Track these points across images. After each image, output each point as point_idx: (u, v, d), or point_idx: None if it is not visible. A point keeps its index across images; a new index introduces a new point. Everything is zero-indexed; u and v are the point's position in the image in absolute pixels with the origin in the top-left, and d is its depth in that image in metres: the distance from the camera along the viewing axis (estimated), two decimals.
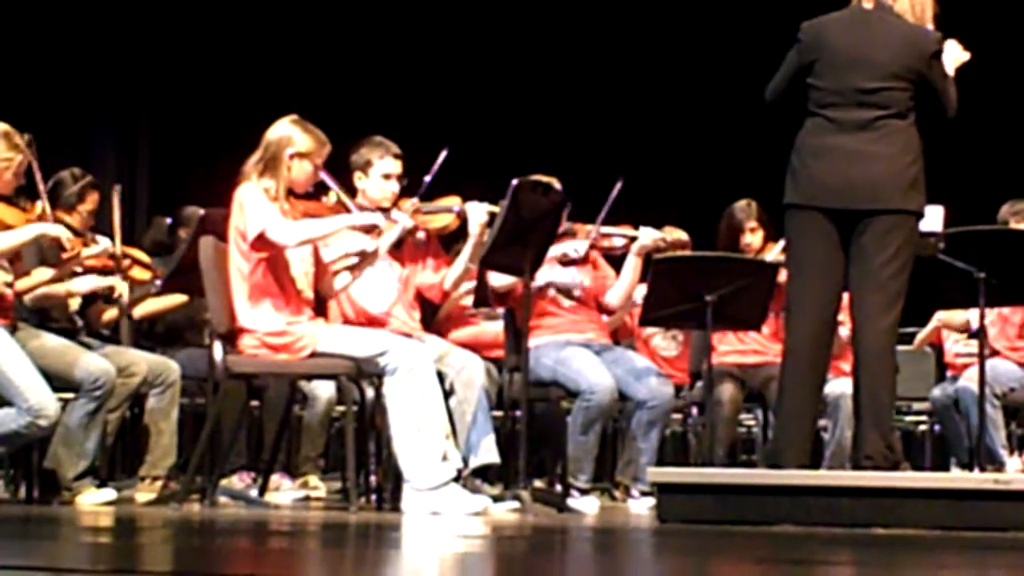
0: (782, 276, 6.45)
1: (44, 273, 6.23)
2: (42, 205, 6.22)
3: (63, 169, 6.74)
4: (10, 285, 6.08)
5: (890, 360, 5.45)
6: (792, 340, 5.49)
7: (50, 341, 6.12)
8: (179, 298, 7.04)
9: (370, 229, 5.94)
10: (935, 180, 5.55)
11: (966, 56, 5.61)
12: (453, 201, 6.44)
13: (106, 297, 6.69)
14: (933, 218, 5.97)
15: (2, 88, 9.37)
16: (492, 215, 6.22)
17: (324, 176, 6.08)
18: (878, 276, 5.39)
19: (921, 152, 5.46)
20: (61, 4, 10.39)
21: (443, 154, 6.30)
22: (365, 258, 6.07)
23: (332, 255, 6.08)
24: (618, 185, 6.65)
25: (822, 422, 7.60)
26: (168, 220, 7.81)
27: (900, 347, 8.06)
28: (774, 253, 7.08)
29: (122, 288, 6.59)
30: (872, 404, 5.37)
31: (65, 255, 6.14)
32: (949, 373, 8.13)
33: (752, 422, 8.88)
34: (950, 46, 5.60)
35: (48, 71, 10.28)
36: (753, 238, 7.30)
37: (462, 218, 6.40)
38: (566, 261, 6.71)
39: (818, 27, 5.53)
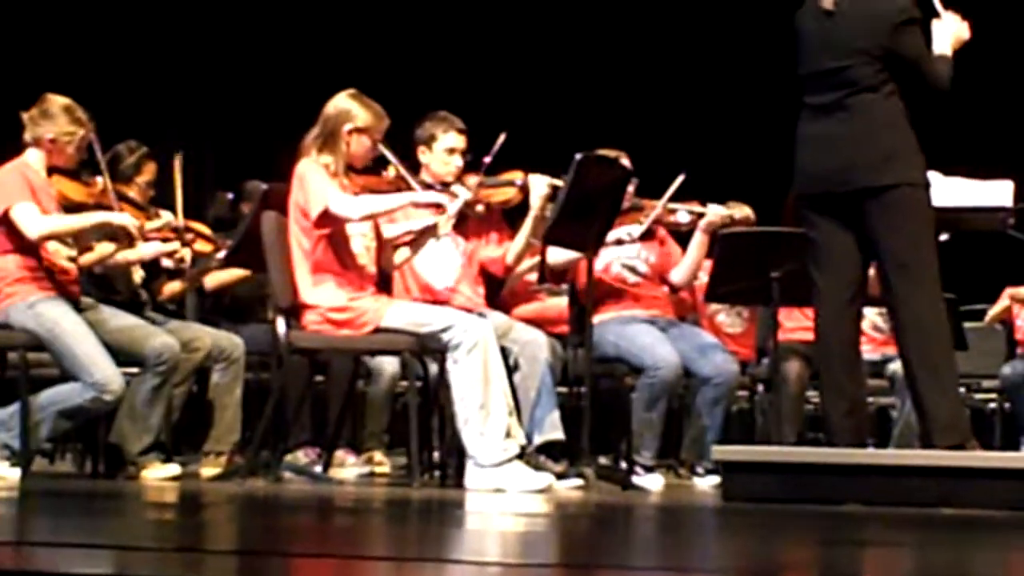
0: None
1: (107, 248, 6.25)
2: (103, 180, 6.24)
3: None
4: (74, 260, 6.11)
5: (939, 332, 5.34)
6: (821, 328, 5.46)
7: (115, 316, 6.14)
8: (244, 272, 7.05)
9: (434, 207, 5.92)
10: (1003, 155, 5.45)
11: (966, 34, 5.43)
12: (516, 175, 6.41)
13: (170, 271, 6.71)
14: (1002, 193, 5.87)
15: (66, 65, 9.42)
16: (554, 188, 6.19)
17: (384, 150, 6.06)
18: (892, 257, 5.30)
19: (902, 122, 5.32)
20: None
21: (502, 136, 6.26)
22: (425, 234, 6.05)
23: (394, 232, 6.06)
24: (680, 178, 6.59)
25: (889, 400, 7.54)
26: (230, 195, 7.82)
27: (970, 324, 8.04)
28: None
29: (185, 253, 6.58)
30: (930, 379, 5.27)
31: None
32: (1020, 350, 8.04)
33: (819, 399, 8.81)
34: (946, 20, 5.44)
35: (112, 49, 10.31)
36: None
37: (525, 192, 6.37)
38: (620, 244, 6.65)
39: (798, 15, 5.49)
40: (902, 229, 5.29)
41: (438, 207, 5.92)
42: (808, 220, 5.45)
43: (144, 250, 6.43)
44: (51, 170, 6.14)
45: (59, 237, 6.00)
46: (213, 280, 7.14)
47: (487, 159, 6.32)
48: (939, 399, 5.23)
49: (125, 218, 6.04)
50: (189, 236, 6.68)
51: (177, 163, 6.80)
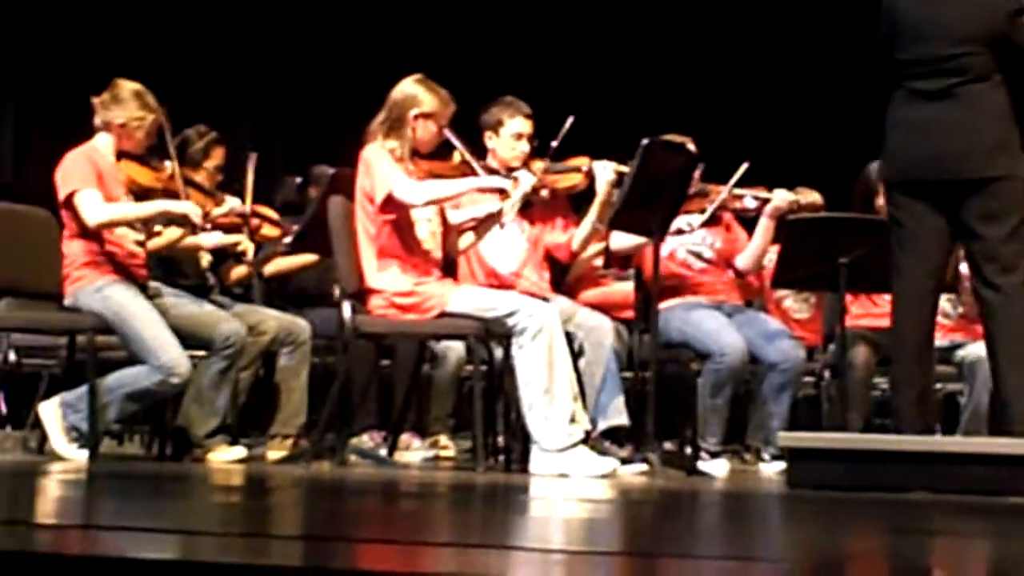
0: None
1: (174, 233, 6.28)
2: (172, 165, 6.27)
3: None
4: (142, 244, 6.14)
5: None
6: (899, 310, 5.42)
7: (182, 300, 6.18)
8: (309, 258, 7.07)
9: (498, 192, 5.92)
10: None
11: None
12: (582, 161, 6.40)
13: (236, 255, 6.74)
14: None
15: (137, 50, 9.47)
16: (620, 175, 6.17)
17: (449, 135, 6.06)
18: (987, 248, 5.27)
19: (1009, 113, 5.29)
20: None
21: (569, 121, 6.25)
22: (490, 219, 6.05)
23: (460, 217, 6.07)
24: (743, 167, 6.56)
25: (957, 386, 7.48)
26: (298, 179, 7.84)
27: None
28: None
29: (248, 246, 6.62)
30: (1013, 366, 5.24)
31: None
32: None
33: (886, 385, 8.75)
34: None
35: (183, 34, 10.37)
36: None
37: (591, 177, 6.36)
38: (681, 233, 6.62)
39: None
40: (1001, 220, 5.26)
41: (502, 192, 5.92)
42: (899, 204, 5.41)
43: (206, 240, 6.46)
44: (120, 155, 6.18)
45: (119, 225, 6.03)
46: (273, 267, 7.16)
47: (554, 143, 6.31)
48: (1020, 386, 5.20)
49: (187, 206, 6.06)
50: (255, 222, 6.70)
51: (251, 163, 6.81)
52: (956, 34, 5.29)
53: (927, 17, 5.34)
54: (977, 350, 6.87)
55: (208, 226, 6.32)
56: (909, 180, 5.36)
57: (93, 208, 5.95)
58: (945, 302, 7.26)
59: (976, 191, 5.27)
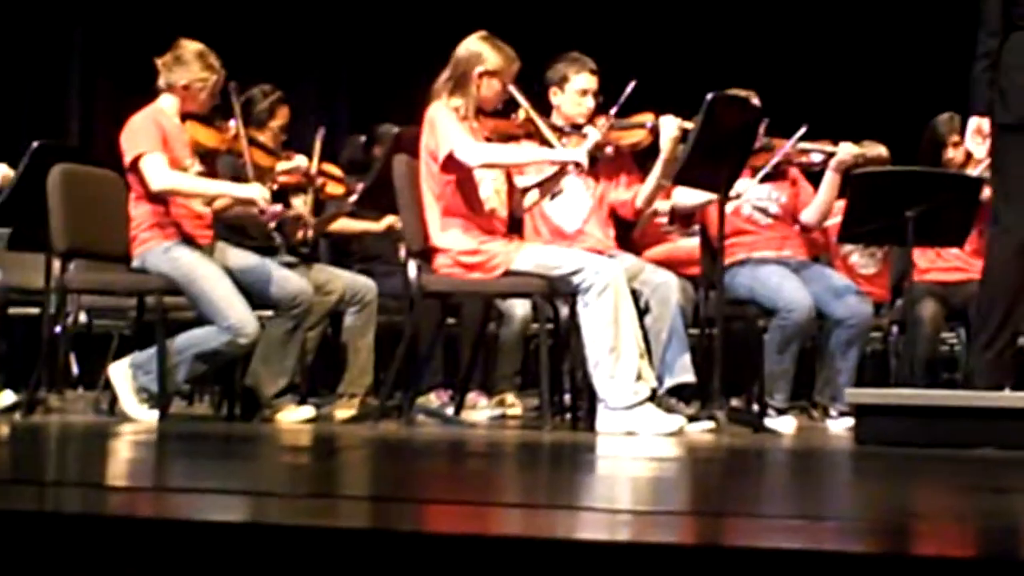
0: (986, 192, 6.28)
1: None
2: (236, 125, 6.29)
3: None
4: (208, 204, 6.17)
5: None
6: (993, 262, 5.28)
7: (249, 260, 6.20)
8: (374, 225, 7.10)
9: (562, 167, 5.90)
10: None
11: None
12: (647, 117, 6.37)
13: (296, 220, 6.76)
14: None
15: (200, 9, 9.50)
16: (685, 131, 6.14)
17: (515, 92, 6.04)
18: None
19: None
20: None
21: (631, 85, 6.23)
22: (555, 178, 6.04)
23: (525, 183, 6.07)
24: (802, 129, 6.50)
25: None
26: (363, 138, 7.86)
27: None
28: (979, 169, 6.89)
29: (309, 219, 6.64)
30: None
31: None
32: None
33: (955, 340, 8.71)
34: None
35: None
36: (956, 153, 7.11)
37: (655, 134, 6.33)
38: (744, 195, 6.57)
39: None
40: None
41: (579, 167, 5.89)
42: (1013, 151, 5.23)
43: (268, 216, 6.46)
44: (185, 116, 6.21)
45: (182, 195, 6.05)
46: (338, 226, 7.18)
47: (614, 110, 6.29)
48: None
49: (252, 191, 6.07)
50: (320, 180, 6.73)
51: (319, 138, 6.83)
52: None
53: None
54: None
55: (274, 187, 6.34)
56: None
57: (158, 173, 5.98)
58: None
59: None
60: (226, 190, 6.14)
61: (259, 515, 2.72)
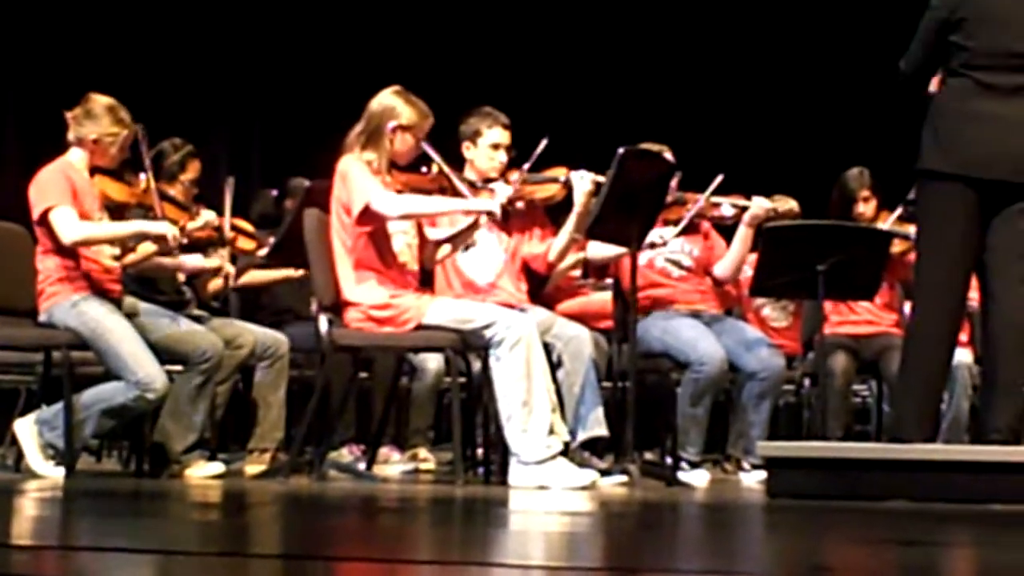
0: (895, 246, 6.33)
1: (149, 247, 6.24)
2: (146, 178, 6.25)
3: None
4: (118, 259, 6.11)
5: None
6: (922, 316, 5.25)
7: (158, 314, 6.14)
8: (284, 273, 7.05)
9: (487, 215, 5.90)
10: None
11: None
12: (560, 171, 6.38)
13: (217, 273, 6.71)
14: None
15: (111, 63, 9.44)
16: (598, 184, 6.16)
17: (427, 148, 6.04)
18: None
19: None
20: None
21: (542, 144, 6.24)
22: (467, 232, 6.03)
23: (438, 235, 6.06)
24: (717, 179, 6.54)
25: None
26: (275, 192, 7.82)
27: None
28: (888, 222, 6.96)
29: (228, 268, 6.61)
30: (1007, 376, 5.17)
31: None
32: None
33: (866, 393, 8.76)
34: None
35: (158, 46, 10.33)
36: (866, 207, 7.18)
37: (568, 188, 6.34)
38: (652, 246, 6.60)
39: None
40: None
41: (476, 223, 5.89)
42: (943, 202, 5.20)
43: (186, 263, 6.44)
44: (94, 169, 6.15)
45: (94, 244, 6.00)
46: (247, 278, 7.14)
47: (526, 165, 6.30)
48: (1008, 398, 5.15)
49: (163, 227, 6.03)
50: (231, 235, 6.68)
51: (228, 188, 6.79)
52: None
53: (1009, 9, 5.18)
54: (959, 356, 6.86)
55: (184, 241, 6.29)
56: (966, 176, 5.15)
57: (68, 225, 5.91)
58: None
59: None
60: (137, 227, 6.08)
61: (168, 575, 2.67)
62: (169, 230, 6.02)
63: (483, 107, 6.47)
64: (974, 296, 5.42)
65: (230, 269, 6.63)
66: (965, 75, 5.20)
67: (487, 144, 6.39)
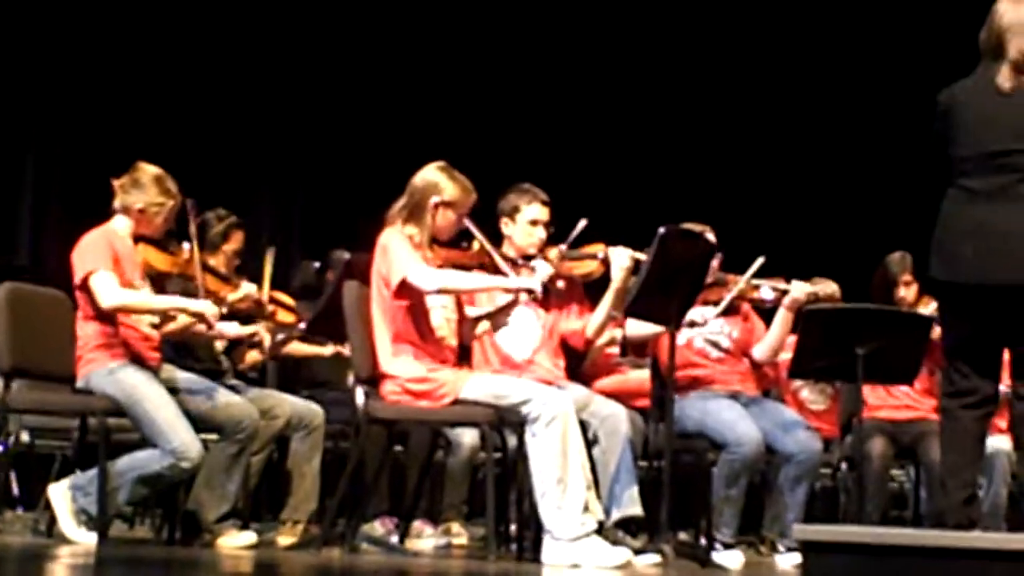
0: (936, 331, 6.30)
1: (188, 318, 6.25)
2: (190, 248, 6.27)
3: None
4: (157, 327, 6.13)
5: None
6: (955, 413, 5.32)
7: (195, 382, 6.15)
8: (325, 349, 7.06)
9: (527, 292, 5.89)
10: None
11: None
12: (598, 248, 6.38)
13: (251, 343, 6.72)
14: None
15: (159, 132, 9.51)
16: (637, 262, 6.15)
17: (469, 224, 6.05)
18: None
19: None
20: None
21: (581, 224, 6.26)
22: (506, 309, 6.03)
23: (477, 312, 6.05)
24: (759, 261, 6.54)
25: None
26: (316, 264, 7.84)
27: None
28: (930, 308, 6.92)
29: (264, 336, 6.62)
30: None
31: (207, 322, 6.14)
32: None
33: (904, 478, 8.70)
34: None
35: (205, 117, 10.42)
36: (907, 292, 7.16)
37: (606, 264, 6.33)
38: (691, 326, 6.59)
39: (950, 93, 5.35)
40: None
41: (531, 294, 5.89)
42: (948, 307, 5.34)
43: (225, 330, 6.47)
44: (138, 238, 6.17)
45: (133, 312, 6.01)
46: (290, 349, 7.16)
47: (563, 246, 6.31)
48: None
49: (203, 305, 6.05)
50: (271, 308, 6.70)
51: (269, 257, 6.83)
52: (1016, 130, 5.18)
53: (988, 110, 5.23)
54: (997, 443, 6.82)
55: (224, 311, 6.31)
56: (961, 283, 5.23)
57: (108, 291, 5.94)
58: None
59: None
60: (177, 303, 6.09)
61: None
62: (209, 308, 6.03)
63: (522, 184, 6.48)
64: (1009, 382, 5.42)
65: (265, 336, 6.64)
66: (956, 184, 5.28)
67: (525, 220, 6.39)
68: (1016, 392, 5.31)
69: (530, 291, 5.90)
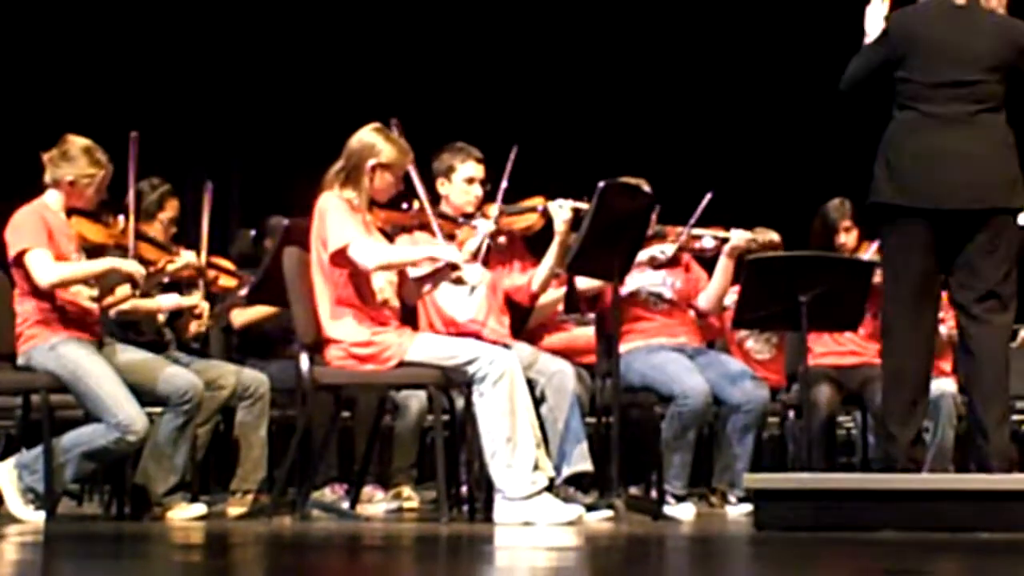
0: (878, 276, 6.31)
1: (128, 290, 6.21)
2: (124, 220, 6.21)
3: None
4: (96, 300, 6.07)
5: (1006, 360, 5.27)
6: (891, 349, 5.34)
7: (137, 355, 6.10)
8: (271, 308, 7.01)
9: (452, 267, 5.83)
10: None
11: None
12: (537, 201, 6.35)
13: (192, 311, 6.67)
14: None
15: (88, 103, 9.42)
16: (576, 212, 6.13)
17: (415, 180, 6.02)
18: (988, 280, 5.22)
19: (1014, 144, 5.30)
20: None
21: (514, 151, 6.20)
22: (446, 269, 5.99)
23: (417, 273, 6.02)
24: (707, 197, 6.53)
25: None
26: (253, 231, 7.79)
27: None
28: (870, 252, 6.94)
29: (204, 307, 6.58)
30: (997, 405, 5.21)
31: (150, 271, 6.13)
32: None
33: (851, 424, 8.74)
34: None
35: (135, 86, 10.32)
36: (848, 237, 7.18)
37: (547, 217, 6.31)
38: (656, 264, 6.61)
39: (906, 19, 5.36)
40: (1006, 256, 5.24)
41: (454, 267, 5.84)
42: (898, 235, 5.31)
43: (163, 302, 6.44)
44: (70, 211, 6.11)
45: (70, 284, 5.96)
46: (241, 317, 7.11)
47: (504, 183, 6.26)
48: (1001, 425, 5.18)
49: (132, 265, 6.01)
50: (211, 274, 6.65)
51: (207, 196, 6.78)
52: (980, 61, 5.23)
53: (951, 40, 5.27)
54: (942, 386, 6.86)
55: (165, 280, 6.26)
56: (918, 207, 5.24)
57: (44, 267, 5.87)
58: None
59: (989, 224, 5.21)
60: (110, 264, 6.02)
61: None
62: (137, 270, 5.99)
63: (456, 142, 6.45)
64: (952, 324, 5.45)
65: (205, 306, 6.60)
66: (911, 107, 5.30)
67: (461, 179, 6.36)
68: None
69: (454, 267, 5.82)
